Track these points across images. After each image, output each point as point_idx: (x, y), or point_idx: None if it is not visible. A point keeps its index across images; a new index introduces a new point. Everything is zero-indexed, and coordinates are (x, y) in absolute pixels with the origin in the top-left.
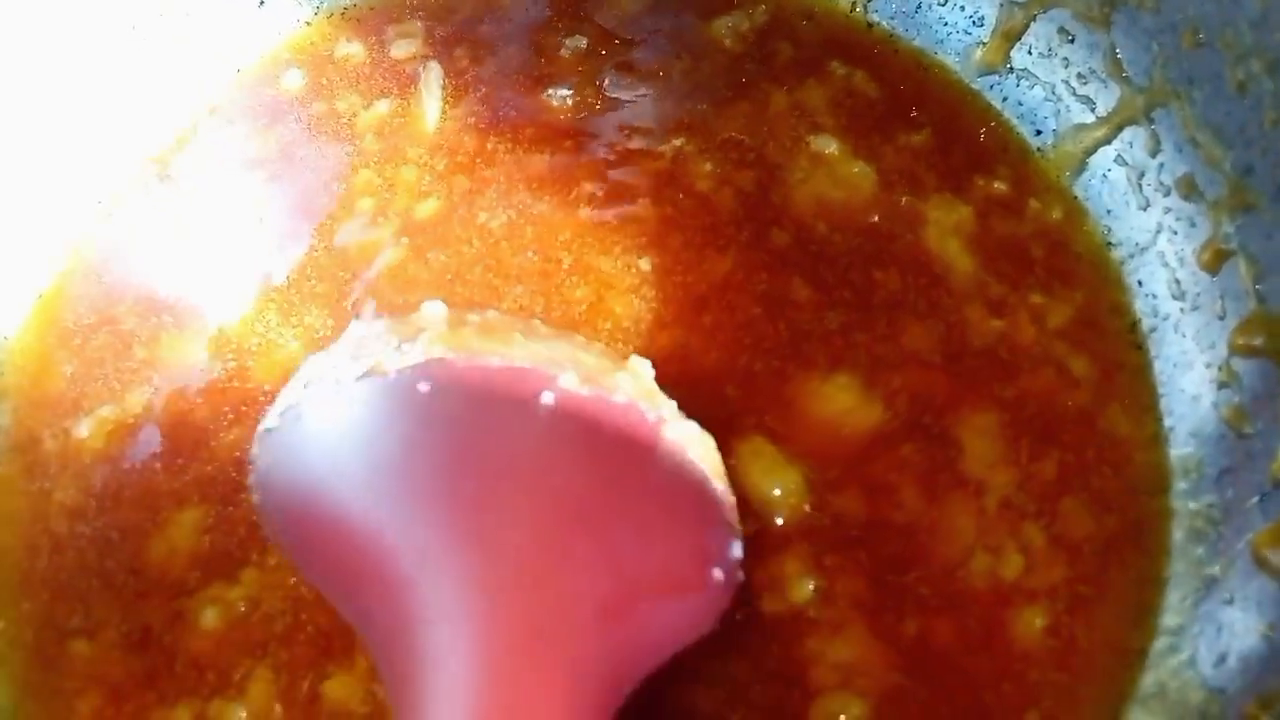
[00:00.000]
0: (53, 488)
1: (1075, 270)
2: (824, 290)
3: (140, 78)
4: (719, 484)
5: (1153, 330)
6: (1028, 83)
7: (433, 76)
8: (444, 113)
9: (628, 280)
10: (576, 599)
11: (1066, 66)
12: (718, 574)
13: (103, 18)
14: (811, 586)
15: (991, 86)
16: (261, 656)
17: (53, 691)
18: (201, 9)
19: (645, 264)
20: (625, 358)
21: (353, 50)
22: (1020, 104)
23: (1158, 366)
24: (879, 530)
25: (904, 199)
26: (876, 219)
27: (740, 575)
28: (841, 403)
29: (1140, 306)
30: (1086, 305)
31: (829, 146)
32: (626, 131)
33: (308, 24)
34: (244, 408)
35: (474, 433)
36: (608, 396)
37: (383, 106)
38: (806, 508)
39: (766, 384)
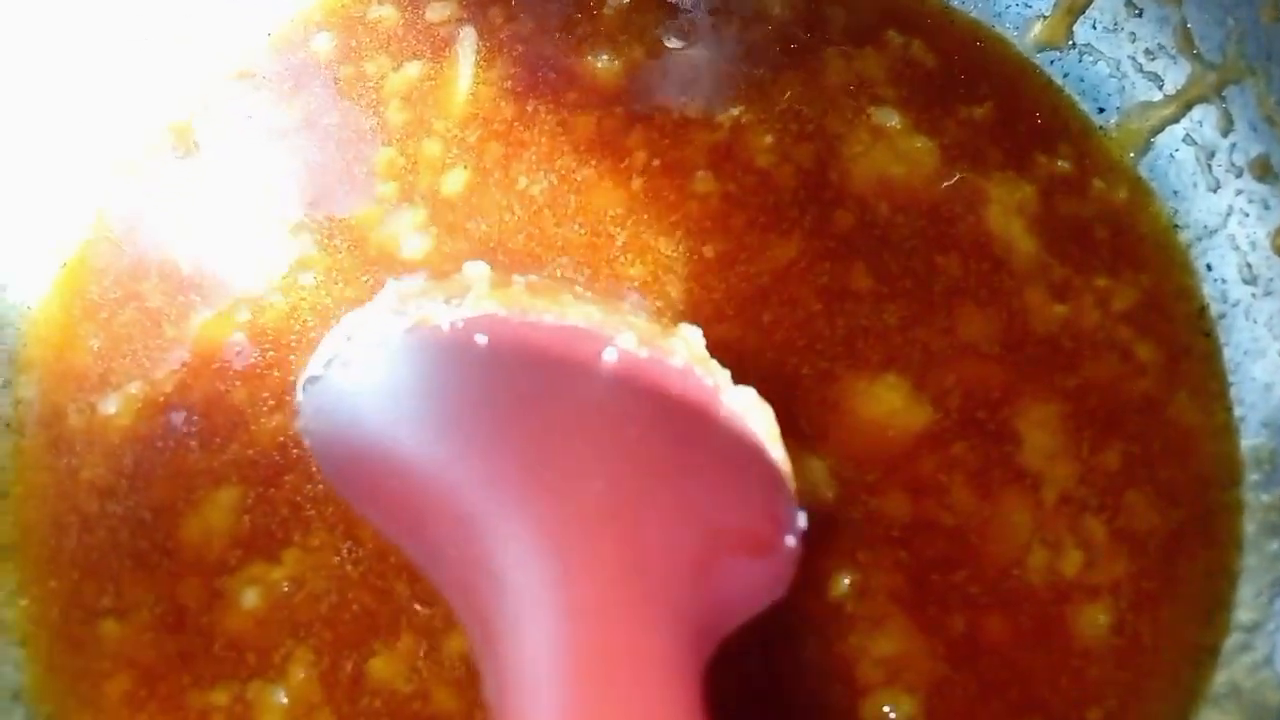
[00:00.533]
0: (80, 465)
1: (1141, 253)
2: (886, 280)
3: (170, 42)
4: (778, 453)
5: (1222, 316)
6: (1091, 58)
7: (467, 42)
8: (477, 77)
9: (687, 265)
10: (666, 543)
11: (1133, 41)
12: (790, 541)
13: None
14: (847, 582)
15: (1052, 61)
16: (304, 637)
17: (79, 673)
18: None
19: (709, 250)
20: (674, 326)
21: (385, 13)
22: (1082, 80)
23: (1227, 353)
24: (923, 531)
25: (967, 176)
26: (939, 198)
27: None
28: (889, 404)
29: (1209, 291)
30: (1153, 289)
31: (891, 119)
32: (681, 98)
33: None
34: (286, 396)
35: (536, 386)
36: (665, 359)
37: (413, 69)
38: (841, 504)
39: (813, 385)
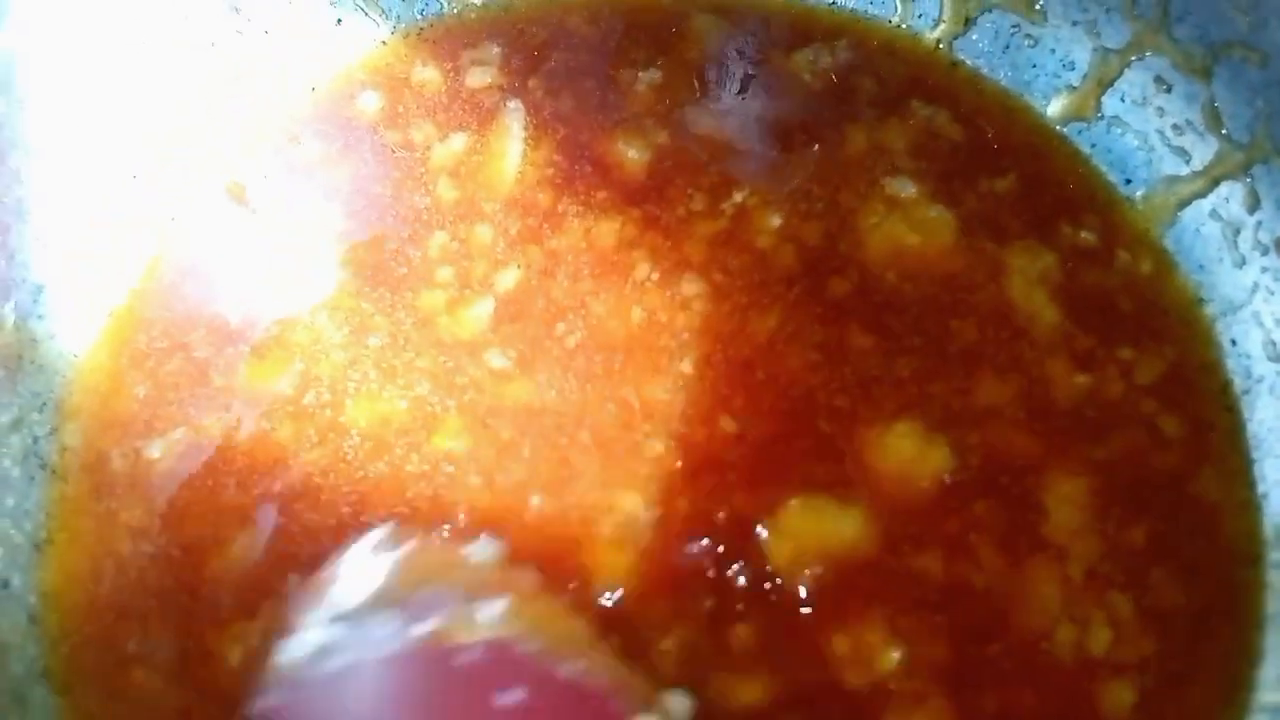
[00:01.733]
0: (119, 508)
1: (1165, 326)
2: (889, 338)
3: (217, 95)
4: None
5: (1246, 392)
6: (1119, 130)
7: (514, 118)
8: (524, 156)
9: (670, 394)
10: None
11: (1161, 116)
12: None
13: (181, 34)
14: (897, 656)
15: (1080, 133)
16: None
17: None
18: (280, 26)
19: (686, 365)
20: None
21: (428, 76)
22: (1110, 151)
23: (1250, 429)
24: (959, 596)
25: (986, 245)
26: (955, 267)
27: None
28: (908, 452)
29: (1233, 366)
30: (1177, 362)
31: (906, 189)
32: (690, 190)
33: (383, 43)
34: (330, 434)
35: None
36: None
37: (457, 142)
38: (879, 557)
39: (828, 437)
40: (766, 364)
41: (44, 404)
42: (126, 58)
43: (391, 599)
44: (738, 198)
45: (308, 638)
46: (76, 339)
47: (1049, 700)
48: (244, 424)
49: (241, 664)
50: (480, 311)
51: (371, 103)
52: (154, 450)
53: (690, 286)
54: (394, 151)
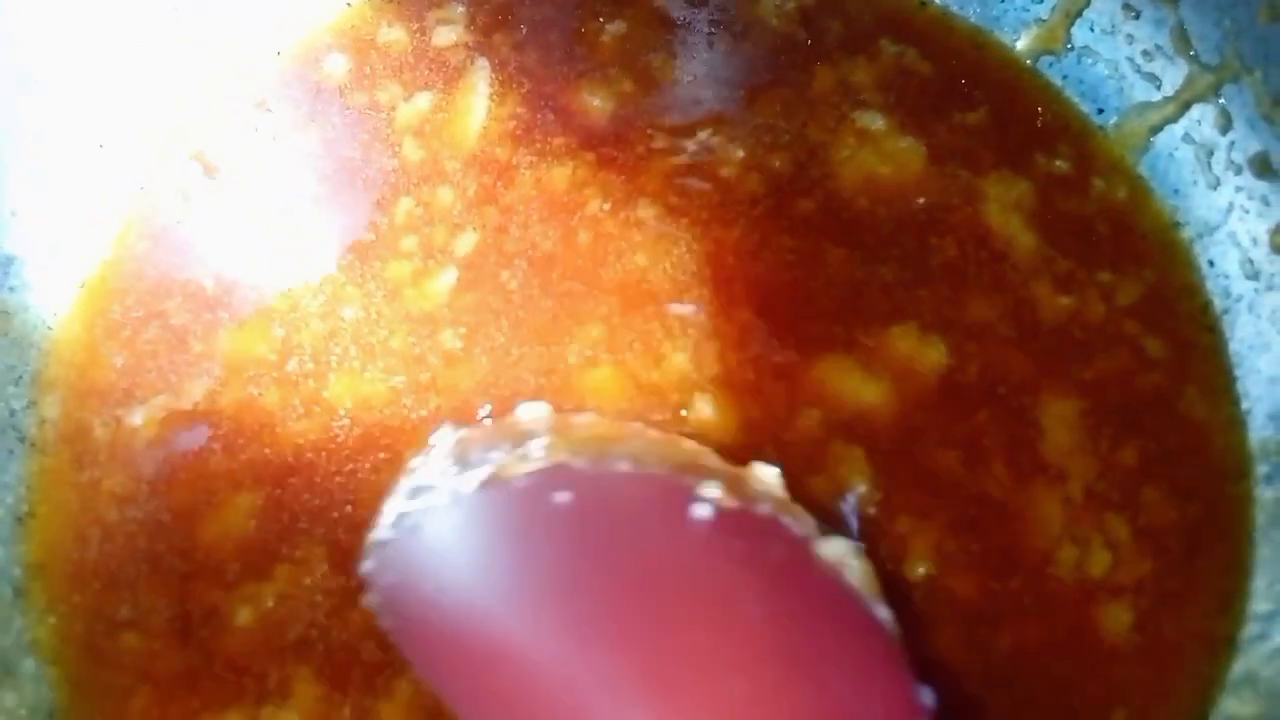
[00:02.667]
0: (102, 476)
1: (1142, 249)
2: (865, 250)
3: (182, 61)
4: (883, 613)
5: (1225, 311)
6: (1089, 60)
7: (480, 75)
8: (489, 112)
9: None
10: None
11: (1130, 43)
12: None
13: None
14: (922, 570)
15: (1050, 65)
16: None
17: (105, 689)
18: None
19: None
20: (746, 464)
21: (395, 36)
22: (1081, 82)
23: (1232, 348)
24: (982, 506)
25: (959, 172)
26: (929, 192)
27: None
28: (908, 349)
29: (1211, 287)
30: (1156, 285)
31: (875, 122)
32: (650, 131)
33: (349, 5)
34: (315, 406)
35: (622, 546)
36: (753, 509)
37: (423, 101)
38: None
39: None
40: (737, 272)
41: (20, 377)
42: (90, 25)
43: (453, 463)
44: (701, 135)
45: (386, 515)
46: (50, 311)
47: (1054, 628)
48: (228, 389)
49: (255, 623)
50: (442, 284)
51: (338, 65)
52: (136, 418)
53: (646, 210)
54: (360, 113)
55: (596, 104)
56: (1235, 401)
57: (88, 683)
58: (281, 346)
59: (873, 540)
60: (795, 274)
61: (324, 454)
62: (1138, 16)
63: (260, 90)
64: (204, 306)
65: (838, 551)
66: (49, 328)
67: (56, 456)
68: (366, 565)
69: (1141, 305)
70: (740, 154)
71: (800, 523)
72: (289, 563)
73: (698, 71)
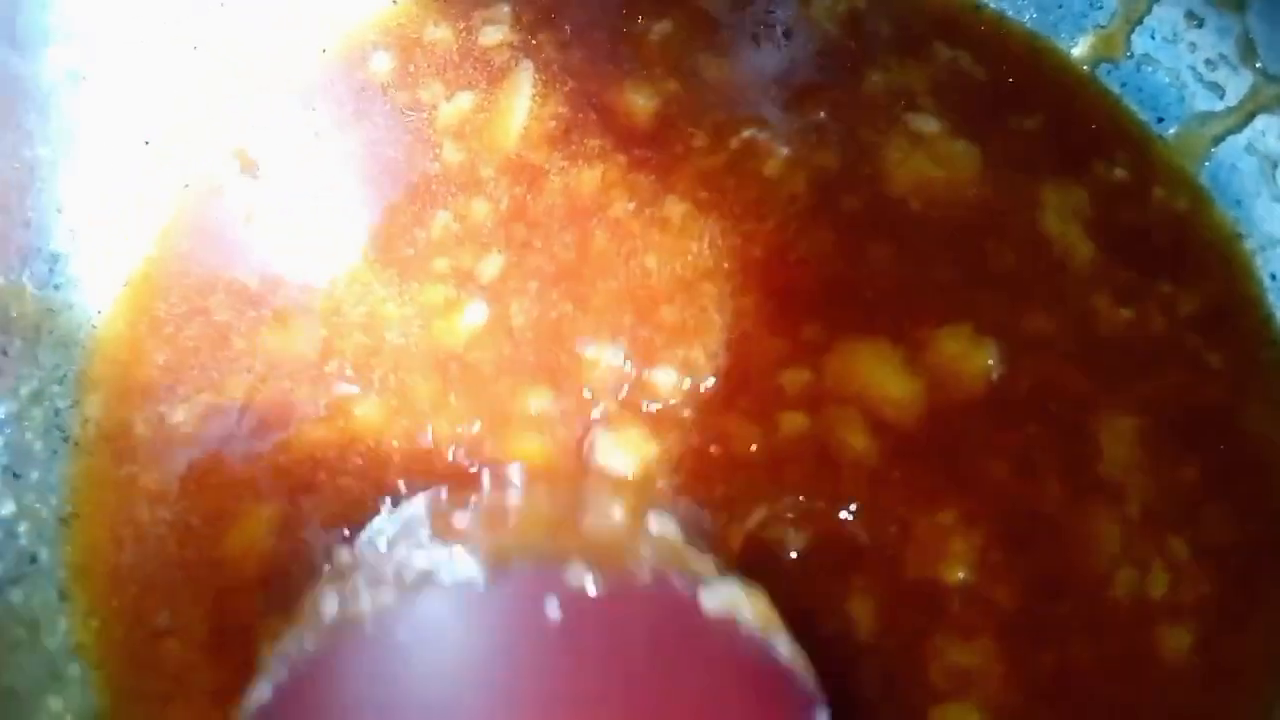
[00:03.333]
0: (140, 472)
1: (1204, 261)
2: (916, 251)
3: (228, 58)
4: (782, 646)
5: None
6: (1149, 68)
7: (524, 76)
8: (531, 112)
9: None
10: None
11: (1193, 51)
12: None
13: None
14: (961, 575)
15: (1109, 72)
16: None
17: (146, 695)
18: None
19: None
20: (639, 510)
21: (440, 35)
22: (1140, 90)
23: None
24: (1032, 519)
25: (1016, 177)
26: (985, 196)
27: None
28: (957, 350)
29: (1274, 300)
30: (1217, 296)
31: (929, 125)
32: (691, 130)
33: (394, 3)
34: (345, 405)
35: (493, 660)
36: (628, 580)
37: (465, 100)
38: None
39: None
40: (768, 263)
41: (64, 376)
42: (136, 21)
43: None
44: (745, 134)
45: (261, 680)
46: (94, 308)
47: (1109, 650)
48: (267, 386)
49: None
50: (470, 320)
51: (383, 63)
52: (178, 415)
53: (673, 208)
54: (403, 113)
55: (641, 103)
56: None
57: (129, 688)
58: (323, 348)
59: (896, 542)
60: (836, 267)
61: (341, 473)
62: (1201, 25)
63: (305, 88)
64: (248, 304)
65: (724, 598)
66: (93, 325)
67: (99, 456)
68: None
69: (1202, 318)
70: (785, 152)
71: (688, 574)
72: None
73: (744, 72)
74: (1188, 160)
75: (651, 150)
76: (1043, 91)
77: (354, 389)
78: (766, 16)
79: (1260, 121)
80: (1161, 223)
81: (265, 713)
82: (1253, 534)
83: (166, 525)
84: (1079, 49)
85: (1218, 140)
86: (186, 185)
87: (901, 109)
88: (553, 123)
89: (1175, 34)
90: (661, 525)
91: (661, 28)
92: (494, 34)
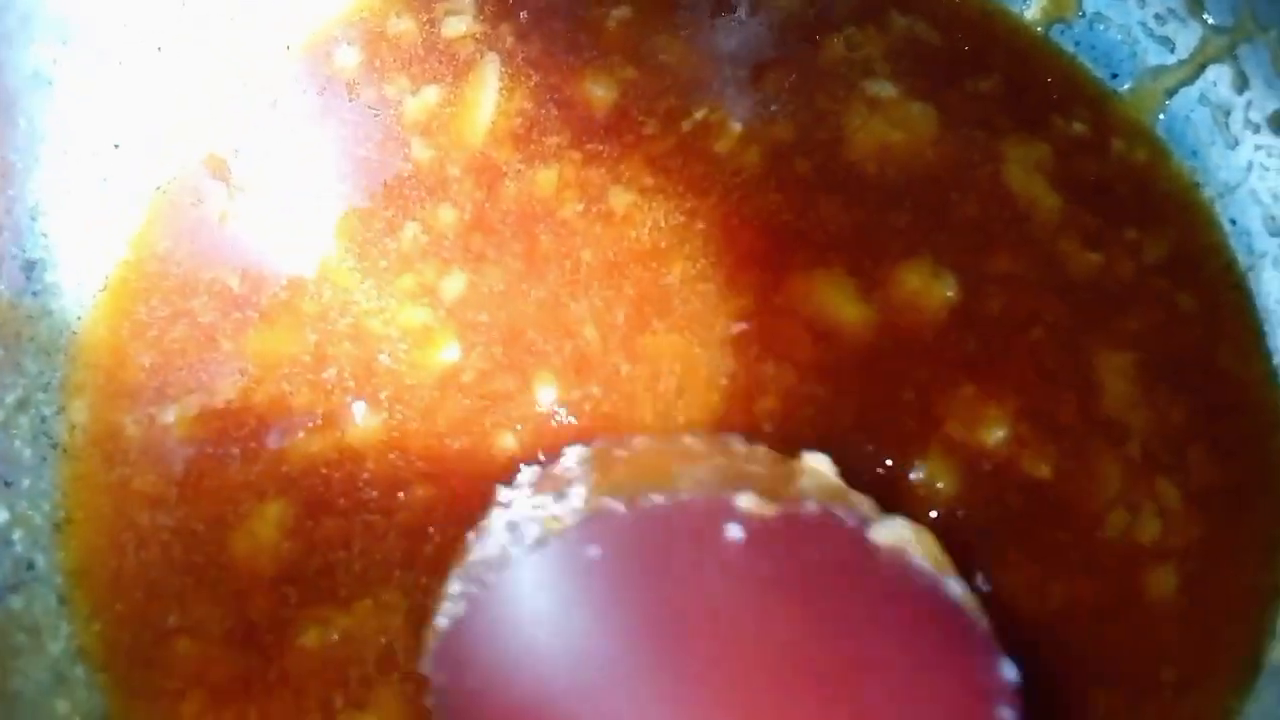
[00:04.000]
0: (132, 474)
1: (1165, 209)
2: (870, 203)
3: (191, 57)
4: (954, 585)
5: (1250, 269)
6: (1101, 26)
7: (490, 70)
8: (498, 106)
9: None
10: None
11: (1142, 7)
12: (1005, 715)
13: None
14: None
15: (1062, 32)
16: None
17: (156, 693)
18: None
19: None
20: (795, 455)
21: (404, 27)
22: (1094, 48)
23: (1259, 304)
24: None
25: (976, 135)
26: (946, 157)
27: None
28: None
29: (1235, 245)
30: (1181, 243)
31: (885, 90)
32: (642, 118)
33: None
34: (342, 413)
35: (661, 591)
36: (797, 509)
37: (431, 94)
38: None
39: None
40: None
41: (48, 383)
42: (100, 23)
43: (506, 527)
44: (697, 115)
45: (445, 598)
46: (73, 314)
47: (1102, 592)
48: (262, 388)
49: (320, 648)
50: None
51: (348, 59)
52: (168, 415)
53: (617, 199)
54: (371, 109)
55: (599, 94)
56: (1268, 357)
57: (138, 687)
58: (315, 352)
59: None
60: (784, 219)
61: (345, 475)
62: None
63: (271, 86)
64: (232, 305)
65: (895, 533)
66: (74, 331)
67: (88, 461)
68: (427, 651)
69: (1168, 263)
70: (737, 128)
71: (853, 510)
72: (369, 597)
73: (703, 52)
74: (1143, 114)
75: (604, 143)
76: (998, 54)
77: (354, 400)
78: None
79: (1211, 72)
80: (1122, 174)
81: (448, 641)
82: (1234, 473)
83: (169, 531)
84: (1031, 11)
85: (1171, 93)
86: (158, 188)
87: (858, 76)
88: (518, 119)
89: None
90: (816, 461)
91: (620, 13)
92: (457, 25)
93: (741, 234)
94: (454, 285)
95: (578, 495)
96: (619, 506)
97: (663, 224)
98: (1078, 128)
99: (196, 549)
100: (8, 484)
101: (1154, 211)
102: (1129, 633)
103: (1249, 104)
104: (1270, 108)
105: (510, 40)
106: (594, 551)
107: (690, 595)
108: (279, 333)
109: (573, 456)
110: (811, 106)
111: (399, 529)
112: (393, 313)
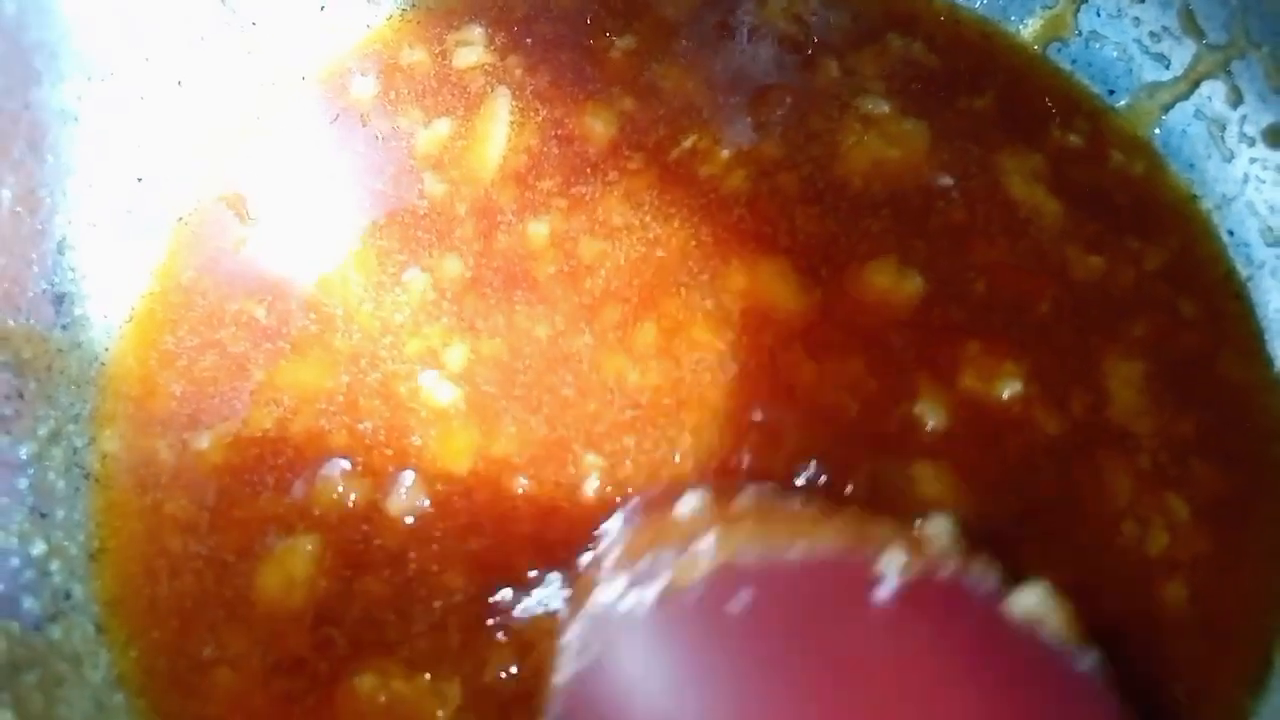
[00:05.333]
0: (164, 499)
1: (1163, 220)
2: (843, 212)
3: (210, 91)
4: (1088, 658)
5: (1249, 279)
6: (1097, 44)
7: (502, 103)
8: (509, 141)
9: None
10: None
11: (1137, 26)
12: None
13: (171, 30)
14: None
15: (1059, 50)
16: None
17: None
18: (266, 17)
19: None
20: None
21: (416, 58)
22: (1090, 66)
23: (1259, 312)
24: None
25: (971, 149)
26: (940, 171)
27: None
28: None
29: (1234, 255)
30: (1180, 252)
31: (879, 107)
32: (628, 153)
33: (369, 27)
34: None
35: (804, 648)
36: (933, 574)
37: (443, 127)
38: None
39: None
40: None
41: (79, 414)
42: (122, 59)
43: (623, 574)
44: (686, 143)
45: (564, 654)
46: (101, 345)
47: (1116, 605)
48: (298, 419)
49: (372, 693)
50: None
51: (363, 90)
52: (202, 441)
53: (588, 247)
54: (384, 140)
55: (599, 129)
56: (1269, 363)
57: (177, 714)
58: (348, 393)
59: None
60: (757, 227)
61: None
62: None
63: (288, 118)
64: (261, 336)
65: (1030, 605)
66: (102, 363)
67: (120, 489)
68: (551, 708)
69: (1169, 271)
70: (725, 154)
71: (983, 578)
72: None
73: (701, 79)
74: (1140, 128)
75: (588, 185)
76: (994, 73)
77: (395, 470)
78: (726, 18)
79: (1205, 87)
80: (1121, 184)
81: (572, 699)
82: (1239, 482)
83: (202, 559)
84: (1028, 31)
85: (1167, 108)
86: (180, 219)
87: (850, 94)
88: (524, 156)
89: (1119, 10)
90: (937, 526)
91: (624, 43)
92: (468, 55)
93: (726, 253)
94: (459, 354)
95: (706, 546)
96: (750, 556)
97: (623, 261)
98: (1074, 139)
99: (227, 581)
100: (43, 515)
101: (1153, 221)
102: (1141, 649)
103: (1244, 118)
104: (1265, 122)
105: (519, 73)
106: (736, 604)
107: (835, 659)
108: (311, 366)
109: (688, 504)
110: (804, 126)
111: (440, 593)
112: (415, 382)
